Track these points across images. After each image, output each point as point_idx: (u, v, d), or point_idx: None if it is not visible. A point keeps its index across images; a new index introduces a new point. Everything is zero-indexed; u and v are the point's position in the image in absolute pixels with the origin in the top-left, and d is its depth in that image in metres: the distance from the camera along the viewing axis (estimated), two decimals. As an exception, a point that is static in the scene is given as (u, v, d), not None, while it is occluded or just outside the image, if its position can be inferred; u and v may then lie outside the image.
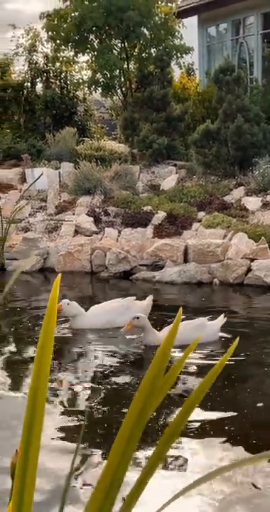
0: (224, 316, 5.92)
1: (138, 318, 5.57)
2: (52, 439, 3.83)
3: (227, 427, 4.05)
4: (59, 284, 0.94)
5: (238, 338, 1.11)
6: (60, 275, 1.06)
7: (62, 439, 3.88)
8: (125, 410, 4.20)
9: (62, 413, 4.27)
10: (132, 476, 1.15)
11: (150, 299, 6.55)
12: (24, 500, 0.89)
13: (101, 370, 5.13)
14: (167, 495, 2.99)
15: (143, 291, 8.64)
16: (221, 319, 5.88)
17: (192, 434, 3.88)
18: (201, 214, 10.41)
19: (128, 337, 5.86)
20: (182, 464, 3.54)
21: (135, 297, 6.67)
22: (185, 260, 9.28)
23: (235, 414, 4.26)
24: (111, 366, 5.21)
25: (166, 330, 5.69)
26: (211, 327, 5.76)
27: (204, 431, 3.98)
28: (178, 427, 0.98)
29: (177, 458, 3.57)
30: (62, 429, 4.00)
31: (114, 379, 4.90)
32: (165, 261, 9.23)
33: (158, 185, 12.34)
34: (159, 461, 0.99)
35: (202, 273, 8.85)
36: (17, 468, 0.94)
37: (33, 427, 0.89)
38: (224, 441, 3.86)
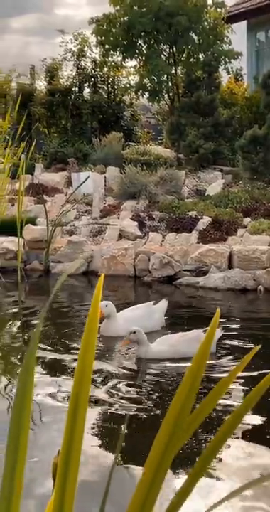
0: (222, 329, 5.66)
1: (134, 332, 5.37)
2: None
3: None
4: (102, 283, 0.92)
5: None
6: (103, 275, 1.04)
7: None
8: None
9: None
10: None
11: (164, 302, 6.56)
12: (65, 501, 0.88)
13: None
14: (207, 500, 2.90)
15: (186, 297, 8.60)
16: (218, 332, 5.54)
17: (235, 439, 3.81)
18: (247, 220, 10.29)
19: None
20: (225, 469, 3.48)
21: (153, 302, 6.65)
22: (230, 266, 9.19)
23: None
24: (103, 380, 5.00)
25: (159, 341, 5.47)
26: None
27: (248, 436, 3.91)
28: (223, 439, 0.94)
29: (219, 463, 3.51)
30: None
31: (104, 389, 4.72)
32: (209, 266, 9.15)
33: (203, 190, 12.27)
34: (202, 472, 0.95)
35: (246, 279, 8.75)
36: (58, 468, 0.93)
37: (76, 427, 0.88)
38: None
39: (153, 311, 6.46)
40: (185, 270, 9.31)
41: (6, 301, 8.49)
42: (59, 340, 6.15)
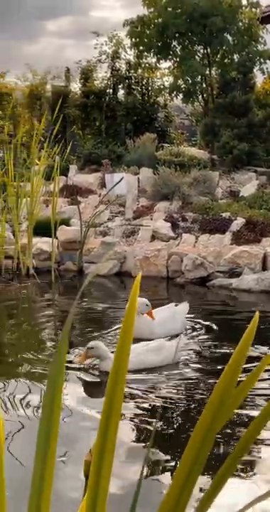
0: (185, 336, 5.48)
1: (92, 348, 5.00)
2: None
3: None
4: (139, 282, 0.93)
5: None
6: (140, 274, 1.05)
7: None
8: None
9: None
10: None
11: (185, 304, 6.53)
12: (98, 501, 0.89)
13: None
14: (238, 502, 2.89)
15: (219, 298, 8.55)
16: (181, 340, 5.36)
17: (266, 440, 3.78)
18: (281, 222, 10.19)
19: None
20: (256, 470, 3.45)
21: (175, 303, 6.60)
22: (264, 268, 9.10)
23: None
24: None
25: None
26: (170, 348, 5.25)
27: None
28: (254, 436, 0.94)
29: (250, 464, 3.49)
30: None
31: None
32: (242, 268, 9.08)
33: (237, 191, 12.19)
34: (232, 469, 0.95)
35: (281, 282, 8.65)
36: (91, 467, 0.93)
37: (109, 425, 0.88)
38: None
39: (176, 313, 6.41)
40: (218, 271, 9.25)
41: (40, 300, 8.58)
42: (89, 338, 6.17)
